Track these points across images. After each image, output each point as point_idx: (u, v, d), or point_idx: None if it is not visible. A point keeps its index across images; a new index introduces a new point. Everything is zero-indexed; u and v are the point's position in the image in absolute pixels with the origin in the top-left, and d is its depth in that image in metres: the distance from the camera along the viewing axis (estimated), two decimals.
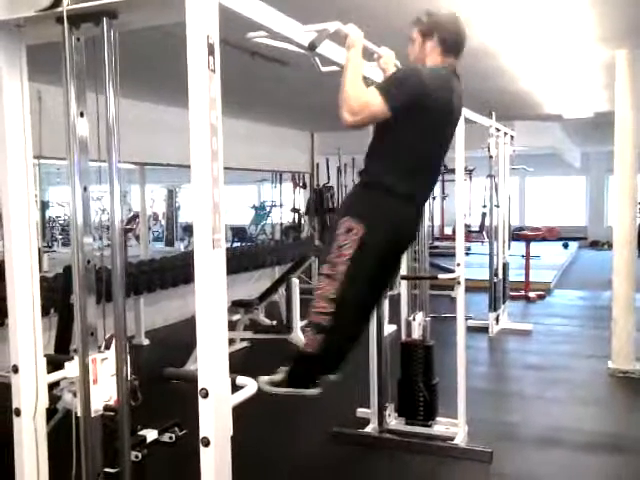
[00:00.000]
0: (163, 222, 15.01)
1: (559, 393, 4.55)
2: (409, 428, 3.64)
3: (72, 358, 1.76)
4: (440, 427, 3.63)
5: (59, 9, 1.54)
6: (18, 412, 1.74)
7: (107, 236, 1.82)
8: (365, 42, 2.26)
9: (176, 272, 6.08)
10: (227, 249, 1.57)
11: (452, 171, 4.02)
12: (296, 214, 9.90)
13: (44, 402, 1.78)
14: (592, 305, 7.85)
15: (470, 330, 5.01)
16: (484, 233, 10.39)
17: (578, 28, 4.24)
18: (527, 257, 8.22)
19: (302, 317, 5.32)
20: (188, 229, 13.49)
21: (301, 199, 9.92)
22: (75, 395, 1.76)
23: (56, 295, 3.87)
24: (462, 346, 3.57)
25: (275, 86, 5.78)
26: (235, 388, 1.69)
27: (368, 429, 3.66)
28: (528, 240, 8.53)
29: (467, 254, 8.68)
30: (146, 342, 5.93)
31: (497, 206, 6.43)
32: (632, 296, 4.88)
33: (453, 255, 3.68)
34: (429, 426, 3.62)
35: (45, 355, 1.80)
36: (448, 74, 2.27)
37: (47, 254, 8.68)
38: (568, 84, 6.42)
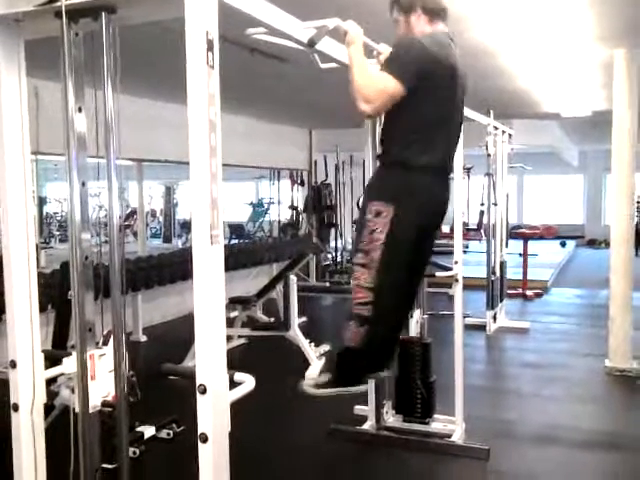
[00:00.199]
0: (161, 219, 15.01)
1: (556, 391, 4.56)
2: (406, 425, 3.65)
3: (70, 354, 1.76)
4: (437, 424, 3.64)
5: (58, 3, 1.53)
6: (16, 407, 1.74)
7: (105, 232, 1.82)
8: (364, 39, 2.26)
9: (174, 268, 6.07)
10: (225, 246, 1.57)
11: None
12: (294, 211, 9.90)
13: (42, 397, 1.78)
14: (589, 303, 7.87)
15: (467, 328, 5.02)
16: (482, 231, 10.38)
17: (576, 27, 4.24)
18: (525, 255, 8.23)
19: (299, 314, 5.34)
20: (186, 226, 13.49)
21: (299, 196, 9.91)
22: (73, 391, 1.77)
23: (53, 291, 3.87)
24: (459, 344, 3.58)
25: (274, 83, 5.77)
26: (233, 385, 1.69)
27: (366, 426, 3.67)
28: (526, 238, 8.55)
29: (465, 252, 8.67)
30: (144, 338, 5.93)
31: (495, 204, 6.43)
32: (629, 294, 4.89)
33: (451, 253, 3.68)
34: (426, 423, 3.62)
35: (43, 351, 1.80)
36: (444, 37, 2.27)
37: (44, 250, 8.68)
38: (566, 83, 6.42)
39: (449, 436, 3.52)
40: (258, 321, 5.77)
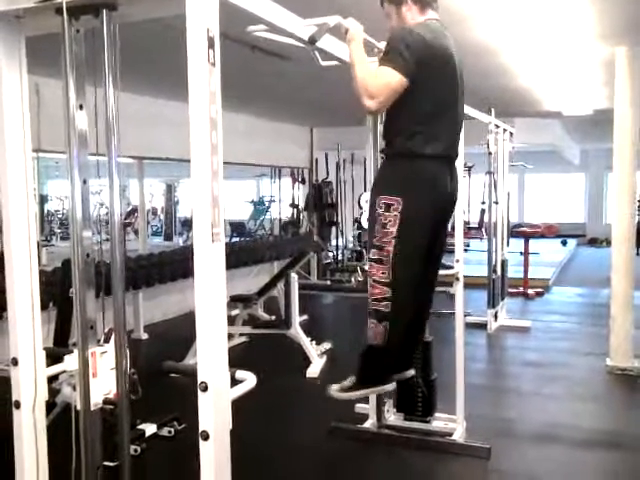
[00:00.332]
0: (162, 216, 15.02)
1: (557, 390, 4.55)
2: (407, 424, 3.64)
3: (71, 351, 1.76)
4: (438, 423, 3.63)
5: (58, 0, 1.53)
6: (18, 405, 1.74)
7: (106, 230, 1.82)
8: (365, 36, 2.26)
9: (175, 266, 6.08)
10: (226, 244, 1.57)
11: None
12: (295, 209, 9.90)
13: (43, 395, 1.78)
14: (590, 302, 7.86)
15: (468, 326, 5.01)
16: (483, 230, 10.39)
17: (578, 25, 4.23)
18: (526, 254, 8.22)
19: (300, 312, 5.34)
20: (187, 224, 13.50)
21: (300, 194, 9.91)
22: (74, 388, 1.77)
23: (55, 289, 3.87)
24: (461, 342, 3.58)
25: (275, 80, 5.76)
26: (234, 382, 1.69)
27: (366, 424, 3.66)
28: (527, 237, 8.54)
29: (466, 250, 8.67)
30: (145, 336, 5.93)
31: (496, 203, 6.42)
32: (630, 293, 4.88)
33: (452, 251, 3.68)
34: (427, 422, 3.62)
35: (44, 348, 1.80)
36: (436, 25, 2.27)
37: (46, 248, 8.69)
38: (568, 81, 6.41)
39: (450, 435, 3.52)
40: (259, 319, 5.77)
